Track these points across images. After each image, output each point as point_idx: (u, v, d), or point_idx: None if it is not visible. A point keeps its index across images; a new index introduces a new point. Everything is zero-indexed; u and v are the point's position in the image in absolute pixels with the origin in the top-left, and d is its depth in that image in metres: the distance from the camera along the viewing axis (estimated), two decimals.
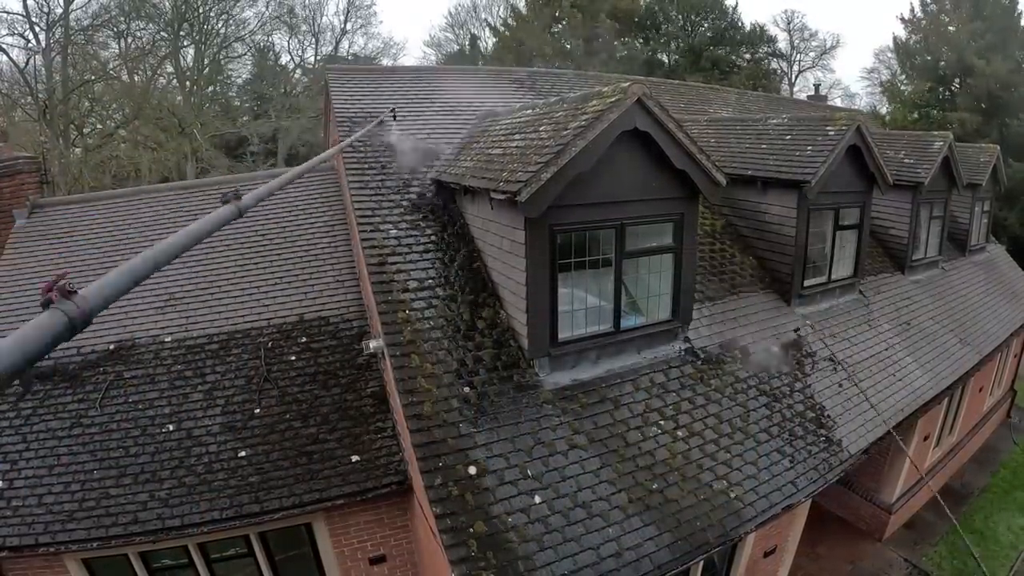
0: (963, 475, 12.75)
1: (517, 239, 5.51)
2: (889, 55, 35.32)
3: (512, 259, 5.71)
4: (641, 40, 35.83)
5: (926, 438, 10.41)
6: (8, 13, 25.98)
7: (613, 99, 5.39)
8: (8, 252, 8.60)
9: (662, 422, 5.91)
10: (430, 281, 6.12)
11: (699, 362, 6.68)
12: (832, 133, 7.99)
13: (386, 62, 36.83)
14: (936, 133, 11.42)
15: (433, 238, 6.58)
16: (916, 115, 31.58)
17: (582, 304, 5.89)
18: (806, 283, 8.27)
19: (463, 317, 5.93)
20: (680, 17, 36.84)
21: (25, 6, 25.94)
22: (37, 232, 8.93)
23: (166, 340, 7.41)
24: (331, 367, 7.21)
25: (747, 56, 37.51)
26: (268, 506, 6.03)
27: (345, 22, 38.12)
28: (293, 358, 7.26)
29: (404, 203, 6.87)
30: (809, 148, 7.98)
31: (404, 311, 5.78)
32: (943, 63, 30.97)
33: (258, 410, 6.77)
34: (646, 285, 6.32)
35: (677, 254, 6.32)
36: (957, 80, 30.61)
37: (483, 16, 42.44)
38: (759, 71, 37.27)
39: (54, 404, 6.80)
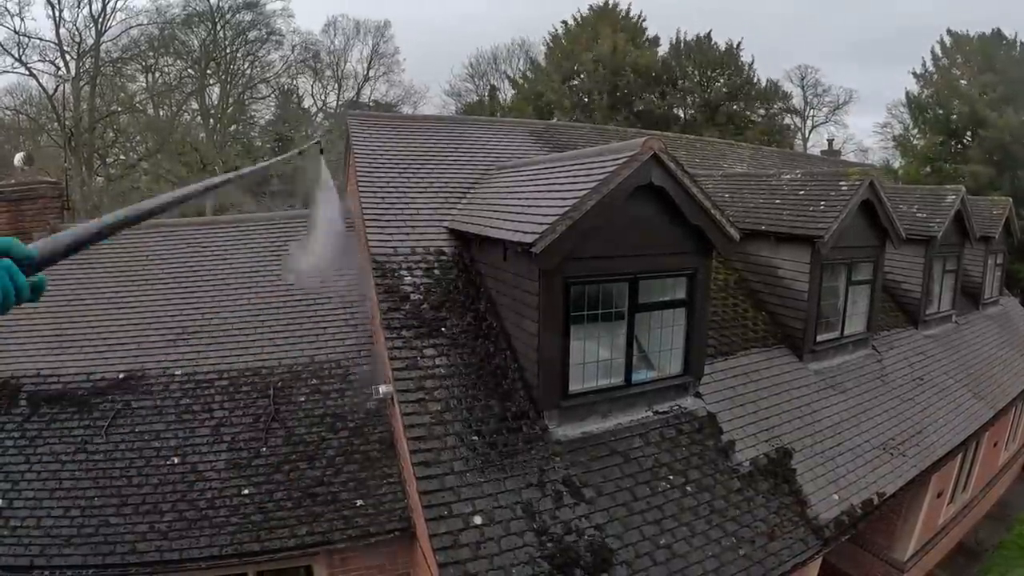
0: (977, 532, 12.40)
1: (530, 290, 5.55)
2: (901, 109, 35.49)
3: (525, 310, 5.74)
4: (658, 95, 36.31)
5: (940, 495, 10.18)
6: (41, 40, 26.75)
7: (629, 154, 5.48)
8: None
9: (671, 477, 5.83)
10: (442, 329, 6.15)
11: (710, 417, 6.63)
12: (845, 188, 8.05)
13: (406, 109, 37.49)
14: (948, 187, 11.47)
15: (447, 286, 6.63)
16: (928, 169, 31.67)
17: (594, 357, 5.88)
18: (819, 338, 8.22)
19: (474, 366, 5.94)
20: (697, 73, 37.36)
21: (58, 34, 26.82)
22: None
23: (176, 373, 7.44)
24: (340, 410, 7.18)
25: (762, 112, 37.96)
26: (269, 545, 5.96)
27: (368, 69, 38.78)
28: (302, 399, 7.25)
29: (419, 250, 6.95)
30: (822, 203, 8.03)
31: (415, 357, 5.80)
32: (955, 116, 31.11)
33: (264, 449, 6.74)
34: (658, 339, 6.32)
35: (690, 308, 6.34)
36: (969, 133, 30.73)
37: (502, 68, 43.24)
38: (773, 126, 37.67)
39: (60, 428, 6.80)
